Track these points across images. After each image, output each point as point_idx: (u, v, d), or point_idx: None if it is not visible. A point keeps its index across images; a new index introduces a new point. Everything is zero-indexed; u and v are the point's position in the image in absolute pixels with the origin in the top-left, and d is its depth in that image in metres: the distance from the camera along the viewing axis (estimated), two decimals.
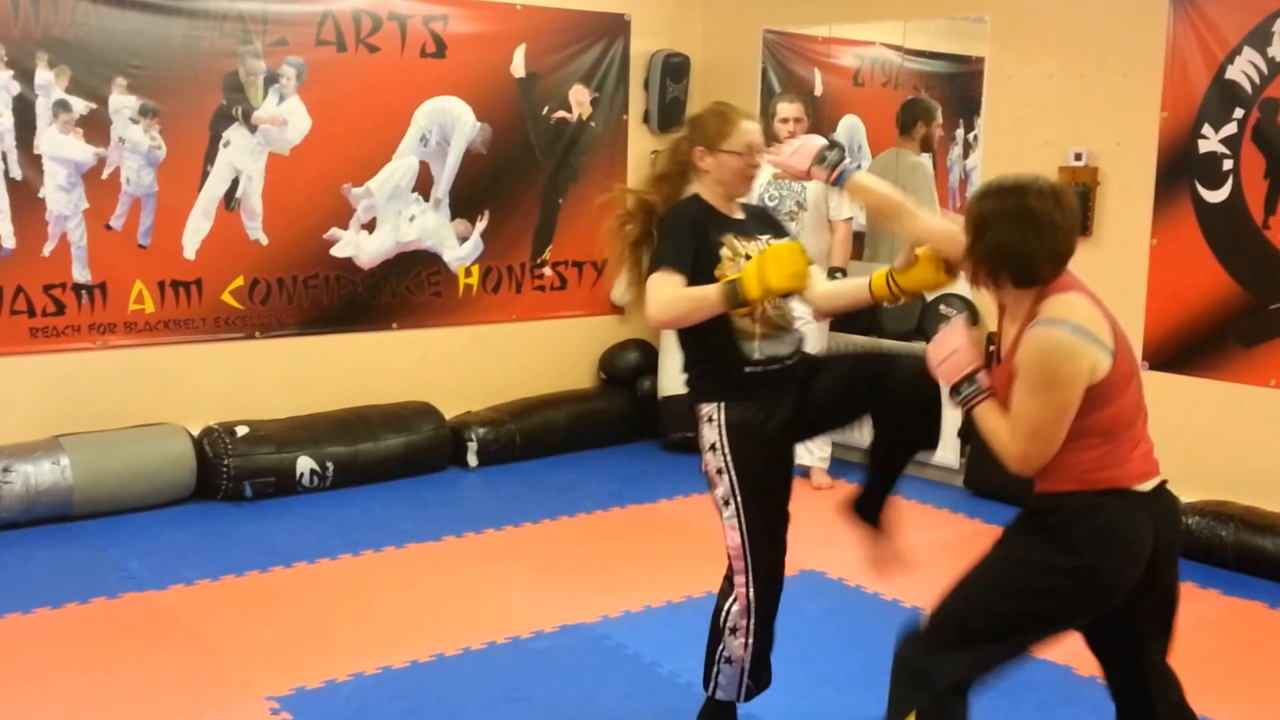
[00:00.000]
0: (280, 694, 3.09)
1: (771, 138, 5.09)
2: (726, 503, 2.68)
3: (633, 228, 2.72)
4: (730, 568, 2.72)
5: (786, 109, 4.92)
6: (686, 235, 2.60)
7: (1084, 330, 2.17)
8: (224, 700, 3.07)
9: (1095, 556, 2.23)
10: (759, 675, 2.77)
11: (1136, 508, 2.27)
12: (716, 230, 2.64)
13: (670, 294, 2.54)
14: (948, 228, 2.49)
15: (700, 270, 2.57)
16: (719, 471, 2.66)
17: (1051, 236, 2.18)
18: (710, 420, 2.65)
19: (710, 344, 2.62)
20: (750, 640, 2.69)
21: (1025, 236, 2.17)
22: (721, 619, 2.73)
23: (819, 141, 2.67)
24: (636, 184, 2.78)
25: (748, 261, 2.55)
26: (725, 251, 2.62)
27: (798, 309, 2.75)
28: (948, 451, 5.07)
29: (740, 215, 2.73)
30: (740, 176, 2.68)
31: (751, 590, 2.68)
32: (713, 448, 2.65)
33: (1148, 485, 2.30)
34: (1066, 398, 2.16)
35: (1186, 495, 4.42)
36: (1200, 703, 3.16)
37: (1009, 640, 2.27)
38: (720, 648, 2.73)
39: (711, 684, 2.78)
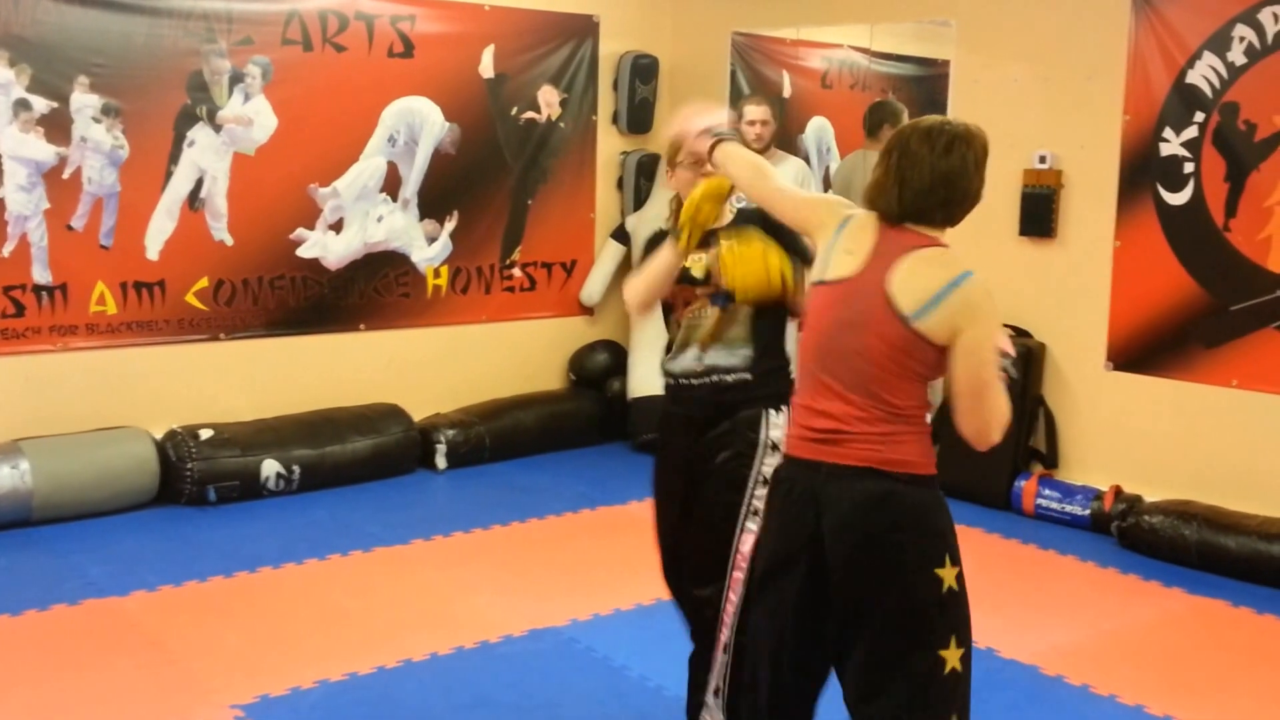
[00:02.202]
0: (244, 701, 3.06)
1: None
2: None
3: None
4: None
5: (753, 111, 4.92)
6: (642, 252, 2.75)
7: (848, 218, 2.18)
8: (187, 708, 3.03)
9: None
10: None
11: (792, 472, 2.16)
12: (655, 243, 2.74)
13: (636, 274, 2.69)
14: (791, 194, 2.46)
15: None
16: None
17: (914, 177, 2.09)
18: (775, 447, 2.67)
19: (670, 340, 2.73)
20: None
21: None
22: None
23: (721, 121, 2.69)
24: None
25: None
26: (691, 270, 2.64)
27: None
28: None
29: (724, 222, 2.65)
30: (690, 185, 2.63)
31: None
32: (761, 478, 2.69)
33: (809, 456, 2.13)
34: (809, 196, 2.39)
35: (1150, 494, 4.49)
36: (1165, 701, 3.21)
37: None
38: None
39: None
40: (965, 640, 2.11)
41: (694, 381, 2.61)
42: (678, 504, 2.71)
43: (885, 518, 2.05)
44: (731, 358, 2.60)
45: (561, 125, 5.79)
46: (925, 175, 2.08)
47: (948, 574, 2.07)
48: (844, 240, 2.15)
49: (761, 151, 4.91)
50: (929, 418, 2.16)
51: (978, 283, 2.06)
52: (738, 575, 2.63)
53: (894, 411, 2.07)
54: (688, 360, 2.62)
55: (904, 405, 2.08)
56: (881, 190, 2.13)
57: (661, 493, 2.76)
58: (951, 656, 2.07)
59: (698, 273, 2.61)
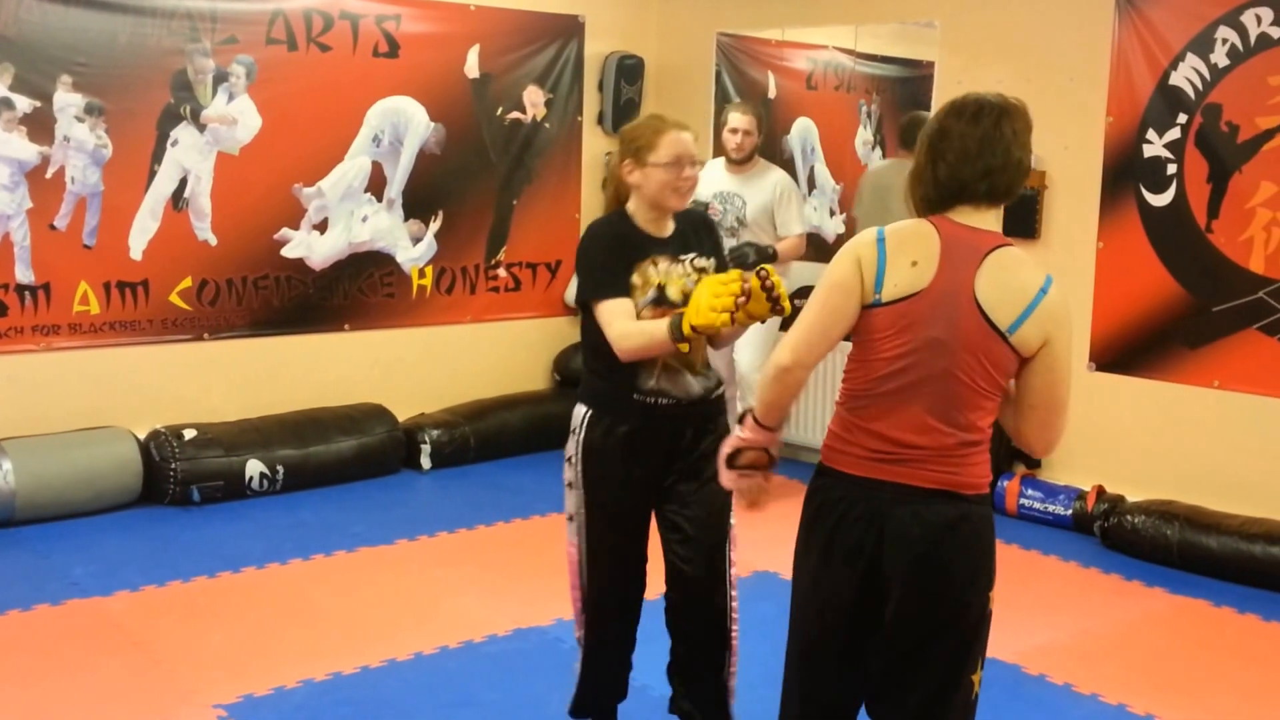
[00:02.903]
0: (228, 701, 3.05)
1: (719, 148, 5.07)
2: (570, 518, 2.65)
3: None
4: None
5: (737, 119, 4.76)
6: (615, 255, 2.51)
7: (885, 237, 1.96)
8: (170, 709, 3.02)
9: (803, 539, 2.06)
10: (598, 694, 2.77)
11: (847, 491, 1.99)
12: (633, 254, 2.52)
13: (625, 327, 2.45)
14: None
15: None
16: (569, 485, 2.63)
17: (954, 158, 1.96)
18: (573, 432, 2.59)
19: (610, 359, 2.50)
20: (581, 652, 2.70)
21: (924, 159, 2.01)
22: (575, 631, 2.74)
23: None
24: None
25: (670, 288, 2.46)
26: (635, 279, 2.50)
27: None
28: None
29: (668, 232, 2.58)
30: (669, 190, 2.51)
31: (585, 609, 2.68)
32: (569, 460, 2.61)
33: (871, 475, 1.98)
34: (823, 294, 1.98)
35: (1132, 495, 4.51)
36: (1147, 700, 3.23)
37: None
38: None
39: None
40: (984, 663, 2.08)
41: (664, 401, 2.52)
42: (643, 521, 2.63)
43: (958, 542, 1.96)
44: (707, 380, 2.59)
45: (546, 125, 5.79)
46: (957, 145, 1.96)
47: (992, 595, 2.04)
48: (898, 252, 1.95)
49: (743, 162, 4.84)
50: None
51: (1061, 289, 1.97)
52: (734, 572, 2.65)
53: (974, 435, 1.95)
54: (663, 381, 2.52)
55: (983, 425, 1.96)
56: (920, 175, 2.00)
57: (623, 515, 2.61)
58: (976, 681, 2.04)
59: (675, 296, 2.50)
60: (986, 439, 1.99)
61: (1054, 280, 1.96)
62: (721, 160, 4.93)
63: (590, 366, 2.62)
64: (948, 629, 1.98)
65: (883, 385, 1.96)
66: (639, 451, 2.54)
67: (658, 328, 2.40)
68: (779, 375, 2.03)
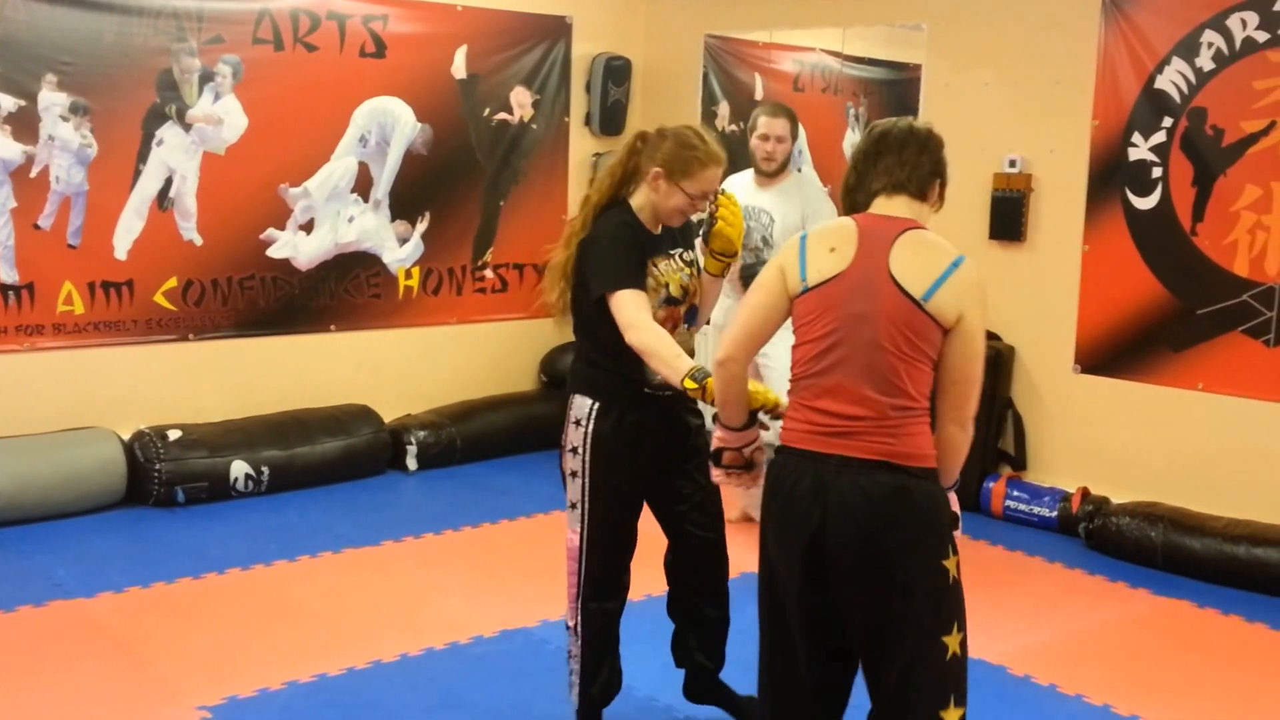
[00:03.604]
0: (212, 703, 3.03)
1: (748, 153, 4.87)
2: (573, 506, 2.70)
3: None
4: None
5: (767, 124, 4.24)
6: (635, 252, 2.60)
7: (807, 234, 2.20)
8: (154, 710, 3.00)
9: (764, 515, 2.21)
10: (600, 681, 2.81)
11: (796, 465, 2.12)
12: (645, 251, 2.64)
13: (645, 318, 2.51)
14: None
15: None
16: (573, 475, 2.68)
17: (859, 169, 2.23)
18: (578, 424, 2.65)
19: (620, 354, 2.56)
20: (579, 639, 2.76)
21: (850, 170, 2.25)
22: (564, 617, 2.80)
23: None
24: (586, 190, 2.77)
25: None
26: (650, 281, 2.62)
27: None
28: None
29: (659, 230, 2.71)
30: (678, 213, 2.66)
31: (581, 598, 2.72)
32: (574, 450, 2.66)
33: (816, 449, 2.11)
34: (751, 296, 2.22)
35: (1117, 496, 4.53)
36: (1131, 700, 3.24)
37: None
38: (568, 648, 2.81)
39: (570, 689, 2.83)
40: (964, 625, 2.15)
41: (666, 393, 2.63)
42: (641, 503, 2.77)
43: (897, 512, 2.05)
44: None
45: (534, 126, 5.78)
46: (862, 144, 2.23)
47: (951, 564, 2.11)
48: (817, 244, 2.16)
49: (775, 174, 4.32)
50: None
51: (974, 267, 2.12)
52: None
53: (908, 401, 2.07)
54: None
55: (916, 393, 2.08)
56: (844, 188, 2.26)
57: (627, 498, 2.71)
58: (953, 642, 2.11)
59: (676, 293, 2.66)
60: (924, 408, 2.10)
61: (968, 260, 2.12)
62: (750, 172, 4.39)
63: (591, 359, 2.67)
64: (899, 599, 2.06)
65: (818, 363, 2.12)
66: (645, 439, 2.66)
67: (677, 363, 2.46)
68: (717, 368, 2.26)
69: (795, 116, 4.38)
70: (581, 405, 2.65)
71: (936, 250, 2.11)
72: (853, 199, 2.25)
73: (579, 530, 2.69)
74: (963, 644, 2.14)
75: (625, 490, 2.69)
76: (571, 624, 2.77)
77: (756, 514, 4.10)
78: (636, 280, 2.56)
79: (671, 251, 2.69)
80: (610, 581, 2.74)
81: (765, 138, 4.26)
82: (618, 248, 2.58)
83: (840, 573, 2.08)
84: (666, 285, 2.65)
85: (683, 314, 2.70)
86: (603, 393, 2.63)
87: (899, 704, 2.12)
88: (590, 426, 2.63)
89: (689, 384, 2.42)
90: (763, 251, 4.27)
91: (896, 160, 2.19)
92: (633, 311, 2.51)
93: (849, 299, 2.08)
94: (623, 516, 2.72)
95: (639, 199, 2.67)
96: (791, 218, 4.21)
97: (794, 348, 2.18)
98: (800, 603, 2.15)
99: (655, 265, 2.64)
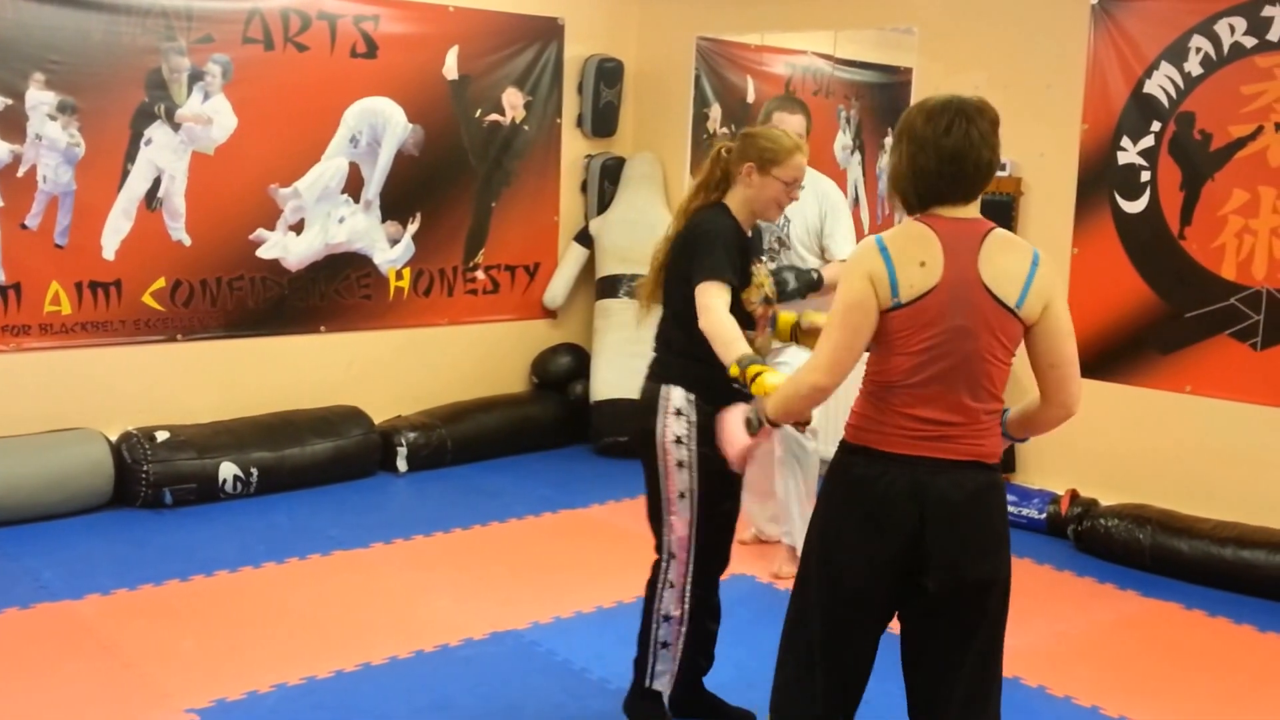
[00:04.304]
0: (200, 706, 3.01)
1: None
2: (682, 495, 2.74)
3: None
4: (664, 557, 2.79)
5: (785, 121, 3.91)
6: (735, 250, 2.70)
7: (886, 246, 2.12)
8: (142, 713, 2.98)
9: (832, 510, 2.23)
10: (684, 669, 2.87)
11: (885, 468, 2.14)
12: (748, 251, 2.78)
13: (723, 319, 2.59)
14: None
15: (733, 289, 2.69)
16: (680, 465, 2.71)
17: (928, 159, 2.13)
18: (679, 414, 2.68)
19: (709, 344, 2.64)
20: (684, 627, 2.80)
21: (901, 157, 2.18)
22: (656, 605, 2.81)
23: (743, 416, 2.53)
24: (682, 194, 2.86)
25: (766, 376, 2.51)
26: (754, 279, 2.76)
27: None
28: None
29: (750, 234, 2.86)
30: (775, 204, 2.77)
31: (689, 582, 2.77)
32: (678, 440, 2.69)
33: (909, 452, 2.14)
34: (842, 314, 2.13)
35: (1105, 498, 4.55)
36: (1120, 702, 3.25)
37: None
38: (655, 636, 2.81)
39: (650, 675, 2.84)
40: None
41: (741, 388, 2.75)
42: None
43: (994, 504, 2.16)
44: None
45: (526, 128, 5.78)
46: (932, 157, 2.13)
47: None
48: (903, 256, 2.11)
49: None
50: None
51: (1048, 258, 2.18)
52: None
53: (996, 405, 2.17)
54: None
55: (1000, 396, 2.18)
56: (898, 177, 2.20)
57: (729, 482, 2.81)
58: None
59: (771, 293, 2.81)
60: (999, 412, 2.21)
61: (1040, 252, 2.17)
62: None
63: (688, 351, 2.72)
64: (993, 586, 2.17)
65: (915, 375, 2.13)
66: None
67: (733, 339, 2.56)
68: (813, 394, 2.21)
69: (809, 111, 4.17)
70: (680, 396, 2.70)
71: (1018, 252, 2.15)
72: (906, 198, 2.20)
73: (689, 518, 2.75)
74: None
75: (724, 479, 2.76)
76: (677, 613, 2.79)
77: (771, 532, 4.04)
78: (729, 275, 2.66)
79: (759, 258, 2.88)
80: (712, 562, 2.83)
81: None
82: (719, 242, 2.69)
83: (945, 569, 2.13)
84: (763, 285, 2.77)
85: (770, 316, 2.81)
86: (698, 384, 2.70)
87: (980, 694, 2.22)
88: (695, 417, 2.69)
89: (734, 369, 2.50)
90: (778, 254, 4.05)
91: (966, 169, 2.15)
92: (711, 298, 2.62)
93: (948, 313, 2.10)
94: (725, 504, 2.82)
95: (735, 200, 2.77)
96: (810, 218, 3.99)
97: (877, 355, 2.17)
98: (873, 606, 2.20)
99: (754, 265, 2.79)
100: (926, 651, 2.23)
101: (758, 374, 2.44)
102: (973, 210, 2.17)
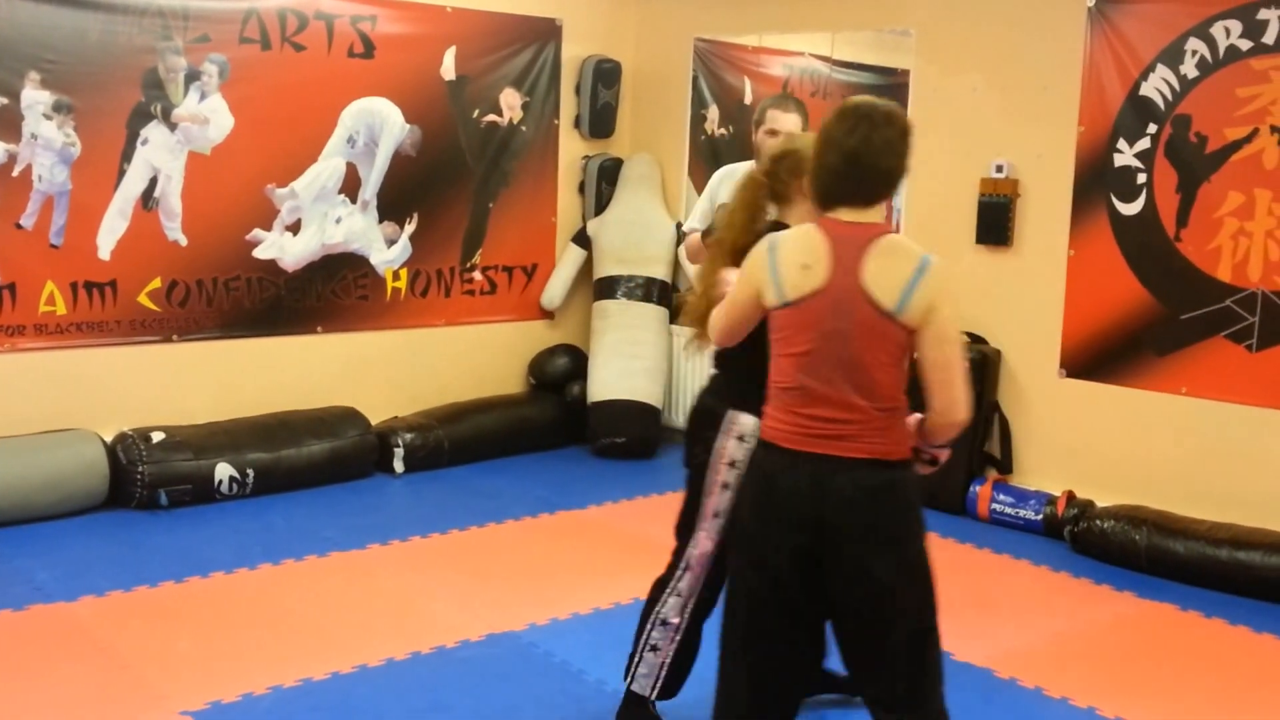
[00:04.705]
0: (195, 708, 3.01)
1: (754, 149, 4.72)
2: (717, 515, 2.73)
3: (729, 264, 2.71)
4: (680, 566, 2.79)
5: (778, 119, 3.85)
6: None
7: (775, 247, 2.23)
8: (137, 715, 2.97)
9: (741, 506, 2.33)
10: (677, 676, 2.85)
11: (792, 462, 2.21)
12: None
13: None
14: None
15: None
16: (725, 486, 2.70)
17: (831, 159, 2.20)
18: (742, 439, 2.67)
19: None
20: (679, 637, 2.79)
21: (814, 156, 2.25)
22: (658, 608, 2.81)
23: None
24: (721, 224, 2.81)
25: None
26: None
27: None
28: None
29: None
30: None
31: (694, 597, 2.78)
32: (732, 463, 2.68)
33: (811, 450, 2.20)
34: (728, 306, 2.32)
35: (1102, 500, 4.56)
36: (1116, 703, 3.25)
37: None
38: (647, 637, 2.81)
39: (630, 674, 2.84)
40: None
41: None
42: None
43: (892, 501, 2.18)
44: None
45: (523, 129, 5.77)
46: (835, 157, 2.19)
47: (927, 543, 2.24)
48: (788, 259, 2.20)
49: None
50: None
51: (941, 264, 2.17)
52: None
53: (889, 403, 2.18)
54: None
55: (894, 396, 2.19)
56: (812, 176, 2.26)
57: None
58: (937, 624, 2.26)
59: None
60: (903, 405, 2.21)
61: (935, 259, 2.16)
62: (750, 165, 4.34)
63: (760, 381, 2.64)
64: (899, 581, 2.18)
65: (802, 376, 2.20)
66: None
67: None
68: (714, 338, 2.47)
69: (805, 110, 4.04)
70: (746, 422, 2.66)
71: (904, 257, 2.16)
72: (816, 195, 2.27)
73: (715, 540, 2.74)
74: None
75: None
76: (675, 620, 2.80)
77: None
78: None
79: None
80: (717, 589, 2.82)
81: (775, 133, 3.84)
82: None
83: (844, 565, 2.17)
84: None
85: None
86: (758, 413, 2.68)
87: (912, 683, 2.22)
88: (754, 445, 2.63)
89: None
90: None
91: (863, 173, 2.20)
92: None
93: (828, 316, 2.16)
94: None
95: (795, 216, 2.69)
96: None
97: (774, 358, 2.26)
98: (788, 597, 2.22)
99: None
100: (852, 650, 2.26)
101: None
102: (873, 215, 2.21)
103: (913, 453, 2.25)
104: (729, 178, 3.81)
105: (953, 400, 2.17)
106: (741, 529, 2.32)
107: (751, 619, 2.28)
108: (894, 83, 5.30)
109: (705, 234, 3.58)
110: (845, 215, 2.20)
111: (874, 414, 2.16)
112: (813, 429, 2.18)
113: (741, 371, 2.73)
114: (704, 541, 2.76)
